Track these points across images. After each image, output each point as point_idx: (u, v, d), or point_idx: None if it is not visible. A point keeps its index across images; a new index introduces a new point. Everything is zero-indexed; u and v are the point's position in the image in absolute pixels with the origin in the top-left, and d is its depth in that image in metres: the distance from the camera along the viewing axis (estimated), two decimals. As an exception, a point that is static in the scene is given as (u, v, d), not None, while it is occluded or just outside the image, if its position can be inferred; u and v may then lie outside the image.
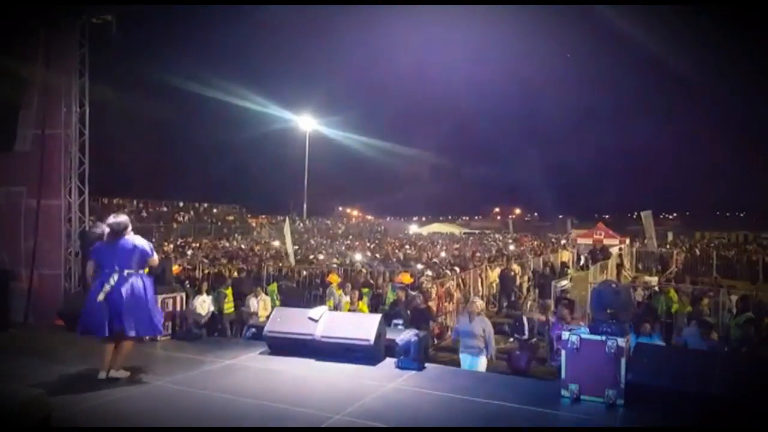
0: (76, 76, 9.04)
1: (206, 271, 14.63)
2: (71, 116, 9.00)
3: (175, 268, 12.09)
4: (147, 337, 6.37)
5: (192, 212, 43.52)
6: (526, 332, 8.55)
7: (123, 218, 5.83)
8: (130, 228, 5.81)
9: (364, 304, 10.58)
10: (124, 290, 5.55)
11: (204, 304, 10.00)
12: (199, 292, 10.23)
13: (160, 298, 7.55)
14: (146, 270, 5.87)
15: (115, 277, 5.59)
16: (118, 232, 5.71)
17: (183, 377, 5.90)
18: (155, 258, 5.93)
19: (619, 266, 20.68)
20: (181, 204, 44.13)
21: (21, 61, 9.10)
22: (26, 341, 7.46)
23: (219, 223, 42.46)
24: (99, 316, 5.53)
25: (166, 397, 5.33)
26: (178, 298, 7.99)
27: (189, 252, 22.02)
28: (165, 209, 41.67)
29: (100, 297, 5.51)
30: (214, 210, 46.90)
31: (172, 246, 24.15)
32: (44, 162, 8.95)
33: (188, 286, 10.98)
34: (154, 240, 28.61)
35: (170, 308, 7.79)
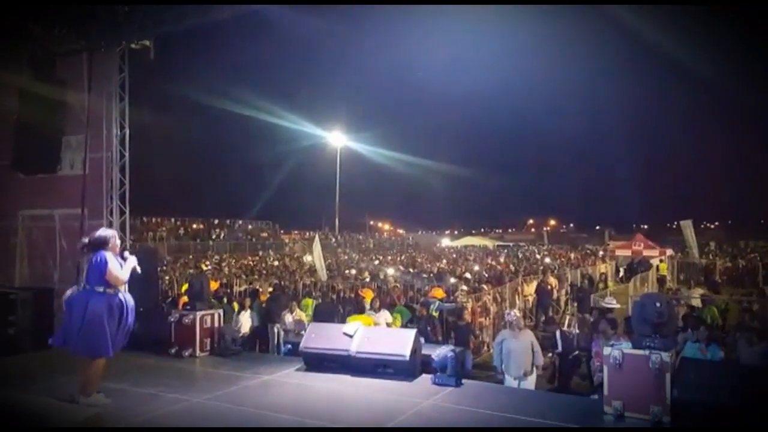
0: (116, 100, 9.35)
1: (243, 288, 14.82)
2: (112, 139, 9.30)
3: (213, 285, 12.28)
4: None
5: (226, 229, 44.27)
6: (560, 347, 8.32)
7: (104, 232, 5.64)
8: (111, 243, 5.53)
9: (398, 320, 10.49)
10: (73, 305, 5.40)
11: (246, 320, 10.11)
12: (242, 308, 10.36)
13: (199, 314, 7.73)
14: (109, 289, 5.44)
15: (75, 289, 5.54)
16: (96, 246, 5.49)
17: (222, 393, 5.95)
18: (113, 274, 5.37)
19: (662, 278, 20.03)
20: (216, 221, 44.96)
21: (64, 86, 9.45)
22: (69, 359, 7.64)
23: (253, 239, 43.06)
24: (61, 326, 5.54)
25: (207, 413, 5.39)
26: (216, 315, 8.07)
27: (225, 268, 22.37)
28: (201, 227, 42.50)
29: (71, 309, 5.41)
30: (249, 226, 47.61)
31: (208, 263, 24.55)
32: (87, 184, 9.28)
33: (225, 302, 11.12)
34: (191, 257, 29.29)
35: (208, 325, 7.88)
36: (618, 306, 9.99)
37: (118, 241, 5.78)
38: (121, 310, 5.50)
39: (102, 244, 5.50)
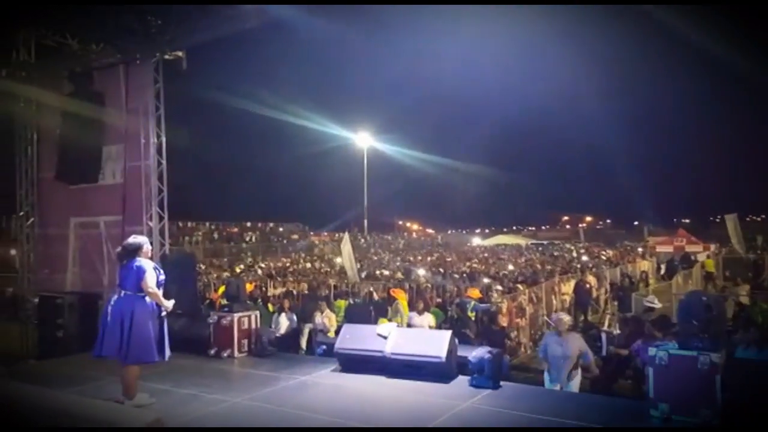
0: (152, 110, 9.57)
1: (277, 290, 14.97)
2: (149, 148, 9.54)
3: (248, 287, 12.46)
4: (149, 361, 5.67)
5: (258, 232, 44.90)
6: (604, 350, 8.04)
7: (139, 240, 5.79)
8: (144, 250, 5.70)
9: (432, 322, 10.42)
10: (115, 313, 5.46)
11: (286, 323, 10.24)
12: (282, 310, 10.51)
13: (237, 316, 7.86)
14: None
15: (114, 297, 5.59)
16: (129, 252, 5.65)
17: (260, 394, 6.03)
18: (148, 283, 5.50)
19: (709, 274, 19.17)
20: (249, 224, 45.64)
21: (103, 99, 9.79)
22: (116, 361, 7.84)
23: (285, 241, 43.55)
24: (99, 334, 5.58)
25: (245, 413, 5.46)
26: (253, 317, 8.20)
27: (259, 271, 22.65)
28: (235, 230, 43.21)
29: (108, 318, 5.49)
30: (280, 228, 48.18)
31: (242, 266, 24.92)
32: (127, 192, 9.58)
33: (260, 303, 11.27)
34: (225, 260, 29.79)
35: (246, 326, 8.00)
36: (659, 305, 9.68)
37: (150, 247, 5.93)
38: (160, 313, 5.64)
39: (136, 250, 5.66)
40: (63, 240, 10.54)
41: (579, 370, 6.69)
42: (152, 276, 5.55)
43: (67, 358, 8.11)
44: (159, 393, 5.92)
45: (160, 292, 5.61)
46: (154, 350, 5.51)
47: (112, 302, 5.57)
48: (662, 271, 22.34)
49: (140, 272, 5.50)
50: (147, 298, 5.53)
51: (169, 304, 5.72)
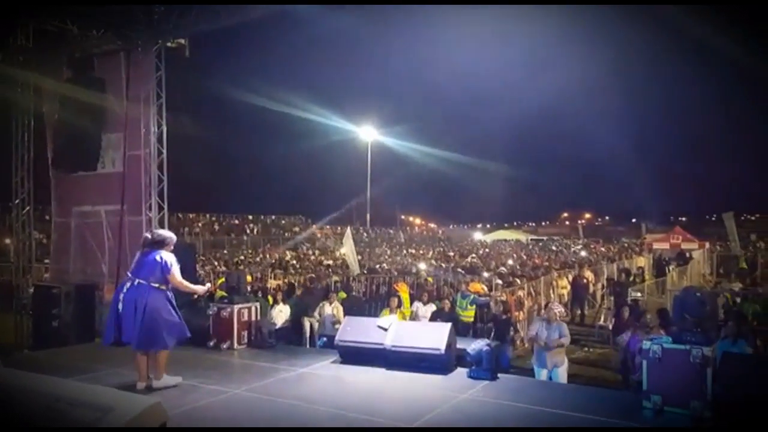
0: (153, 98, 9.52)
1: (278, 282, 15.02)
2: (150, 137, 9.48)
3: (248, 278, 12.50)
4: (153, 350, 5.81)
5: (260, 224, 44.88)
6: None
7: (165, 234, 5.96)
8: (168, 245, 5.83)
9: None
10: (129, 301, 5.56)
11: (281, 314, 10.26)
12: (275, 302, 10.52)
13: (236, 308, 7.88)
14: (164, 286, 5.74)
15: (127, 285, 5.66)
16: (154, 243, 5.77)
17: (259, 385, 6.05)
18: (175, 276, 5.71)
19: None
20: (250, 216, 45.61)
21: (103, 86, 9.67)
22: (112, 351, 7.83)
23: (286, 234, 43.55)
24: (109, 322, 5.68)
25: (244, 405, 5.49)
26: (253, 309, 8.22)
27: (260, 263, 22.69)
28: (236, 222, 43.18)
29: (119, 306, 5.59)
30: (282, 221, 48.17)
31: (243, 257, 24.95)
32: (127, 181, 9.53)
33: (260, 296, 11.31)
34: (225, 252, 29.83)
35: (246, 318, 8.03)
36: (642, 298, 9.82)
37: (174, 241, 6.04)
38: (173, 303, 5.80)
39: (161, 242, 5.79)
40: (67, 229, 10.45)
41: (565, 358, 6.90)
42: (178, 269, 5.76)
43: (63, 348, 8.14)
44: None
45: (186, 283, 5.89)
46: (175, 332, 5.73)
47: (124, 290, 5.64)
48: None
49: (166, 267, 5.65)
50: (162, 288, 5.65)
51: (202, 289, 6.35)
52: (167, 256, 5.72)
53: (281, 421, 5.02)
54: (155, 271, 5.63)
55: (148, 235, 5.94)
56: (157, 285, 5.63)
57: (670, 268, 18.29)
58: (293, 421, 4.99)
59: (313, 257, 25.82)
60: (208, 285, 6.25)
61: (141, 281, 5.61)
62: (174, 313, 5.76)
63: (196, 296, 5.98)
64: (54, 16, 9.77)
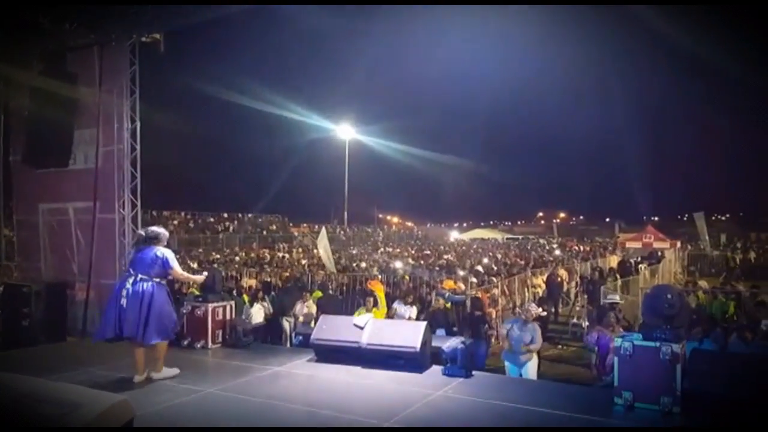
0: (127, 94, 9.35)
1: (254, 281, 14.87)
2: (123, 132, 9.32)
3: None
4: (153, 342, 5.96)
5: (236, 222, 44.42)
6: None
7: (159, 230, 6.18)
8: (162, 240, 6.10)
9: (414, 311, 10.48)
10: (133, 295, 5.71)
11: (260, 312, 10.18)
12: (254, 300, 10.43)
13: (211, 306, 7.80)
14: (163, 280, 6.02)
15: (130, 280, 5.80)
16: (148, 239, 6.03)
17: (233, 384, 6.02)
18: (176, 270, 6.09)
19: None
20: (226, 214, 45.10)
21: (75, 80, 9.43)
22: (83, 350, 7.74)
23: (263, 232, 43.18)
24: (109, 317, 5.75)
25: (217, 403, 5.45)
26: (228, 307, 8.14)
27: (236, 261, 22.45)
28: (211, 219, 42.66)
29: (122, 301, 5.70)
30: (259, 219, 47.75)
31: (218, 256, 24.66)
32: (99, 177, 9.33)
33: (235, 294, 11.18)
34: (201, 250, 29.48)
35: (220, 317, 7.95)
36: (621, 301, 9.93)
37: (167, 236, 6.36)
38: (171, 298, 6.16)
39: (155, 239, 6.04)
40: (35, 227, 10.24)
41: (534, 355, 7.01)
42: (177, 262, 6.08)
43: (34, 348, 7.99)
44: (130, 382, 5.91)
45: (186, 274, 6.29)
46: (174, 325, 6.07)
47: (126, 285, 5.77)
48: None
49: (166, 262, 5.92)
50: (162, 282, 5.93)
51: (200, 278, 7.03)
52: (166, 252, 5.97)
53: (255, 420, 4.99)
54: (156, 266, 5.87)
55: (142, 233, 6.22)
56: (158, 280, 5.88)
57: (643, 267, 18.54)
58: (267, 420, 4.96)
59: (289, 256, 25.66)
60: (205, 273, 6.70)
61: (143, 276, 5.80)
62: (173, 306, 6.12)
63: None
64: (25, 8, 9.49)
